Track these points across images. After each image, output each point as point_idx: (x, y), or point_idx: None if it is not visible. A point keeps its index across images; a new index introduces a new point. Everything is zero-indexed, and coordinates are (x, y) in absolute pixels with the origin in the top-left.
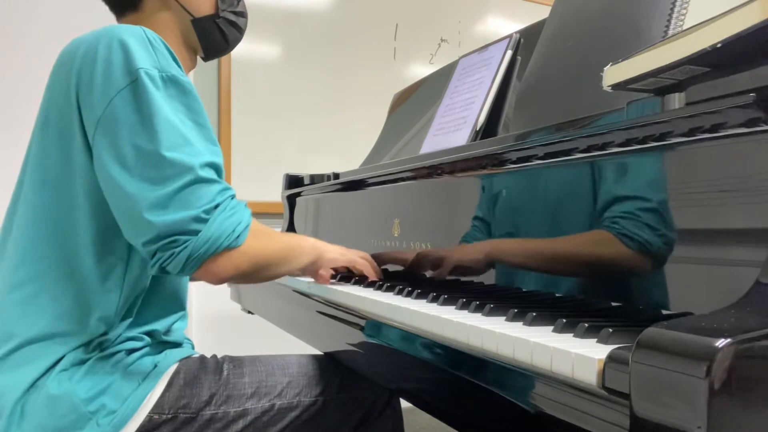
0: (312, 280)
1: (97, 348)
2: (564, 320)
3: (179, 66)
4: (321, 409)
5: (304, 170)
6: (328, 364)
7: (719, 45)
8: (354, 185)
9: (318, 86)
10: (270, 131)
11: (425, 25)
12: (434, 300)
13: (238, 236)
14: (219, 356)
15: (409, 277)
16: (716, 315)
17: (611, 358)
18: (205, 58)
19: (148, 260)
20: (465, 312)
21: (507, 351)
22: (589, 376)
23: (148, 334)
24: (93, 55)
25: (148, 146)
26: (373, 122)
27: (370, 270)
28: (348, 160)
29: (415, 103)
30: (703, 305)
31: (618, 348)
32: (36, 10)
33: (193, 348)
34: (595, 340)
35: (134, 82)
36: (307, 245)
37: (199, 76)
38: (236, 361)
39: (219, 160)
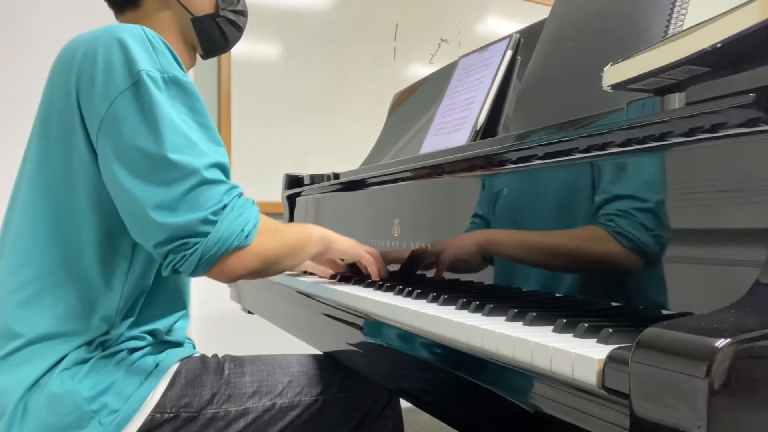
0: (312, 279)
1: (99, 347)
2: (564, 320)
3: (180, 66)
4: (321, 409)
5: (304, 170)
6: (328, 364)
7: (719, 45)
8: (354, 185)
9: (318, 86)
10: (270, 131)
11: (425, 25)
12: (434, 300)
13: (247, 236)
14: (220, 356)
15: (410, 277)
16: (716, 315)
17: (611, 358)
18: (204, 57)
19: (160, 262)
20: (465, 312)
21: (507, 351)
22: (589, 376)
23: (150, 333)
24: (93, 55)
25: (153, 149)
26: (373, 122)
27: (373, 267)
28: (348, 160)
29: (415, 103)
30: (703, 305)
31: (618, 348)
32: (36, 9)
33: (194, 347)
34: (595, 340)
35: (136, 84)
36: (316, 235)
37: (199, 76)
38: (237, 361)
39: (224, 159)
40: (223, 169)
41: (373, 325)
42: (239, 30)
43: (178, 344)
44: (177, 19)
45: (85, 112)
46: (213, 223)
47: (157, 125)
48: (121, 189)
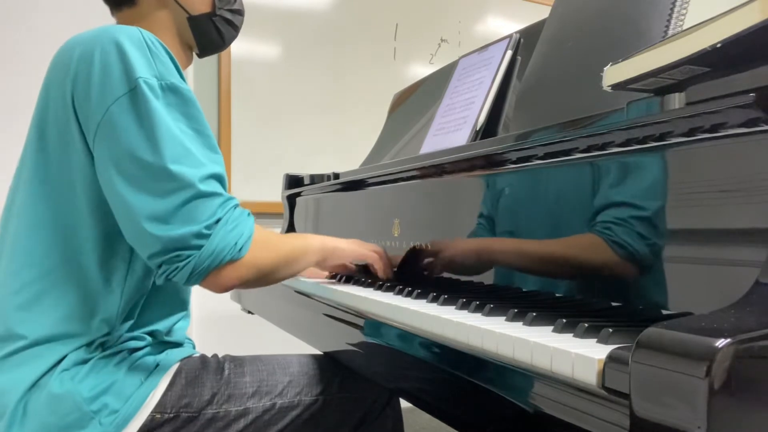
0: (313, 280)
1: (99, 348)
2: (564, 320)
3: (178, 69)
4: (321, 409)
5: (304, 170)
6: (328, 364)
7: (719, 45)
8: (354, 185)
9: (318, 86)
10: (270, 131)
11: (425, 25)
12: (434, 300)
13: (240, 249)
14: (220, 356)
15: (409, 277)
16: (716, 315)
17: (611, 358)
18: (200, 55)
19: (154, 270)
20: (465, 312)
21: (507, 351)
22: (589, 376)
23: (150, 334)
24: (90, 57)
25: (149, 158)
26: (373, 122)
27: (379, 264)
28: (348, 160)
29: (415, 103)
30: (703, 305)
31: (618, 348)
32: (36, 9)
33: (194, 348)
34: (595, 340)
35: (133, 91)
36: (314, 246)
37: (199, 76)
38: (237, 361)
39: (221, 169)
40: (220, 179)
41: (373, 325)
42: (236, 29)
43: (177, 344)
44: (173, 18)
45: (81, 115)
46: (206, 236)
47: (154, 134)
48: (117, 196)
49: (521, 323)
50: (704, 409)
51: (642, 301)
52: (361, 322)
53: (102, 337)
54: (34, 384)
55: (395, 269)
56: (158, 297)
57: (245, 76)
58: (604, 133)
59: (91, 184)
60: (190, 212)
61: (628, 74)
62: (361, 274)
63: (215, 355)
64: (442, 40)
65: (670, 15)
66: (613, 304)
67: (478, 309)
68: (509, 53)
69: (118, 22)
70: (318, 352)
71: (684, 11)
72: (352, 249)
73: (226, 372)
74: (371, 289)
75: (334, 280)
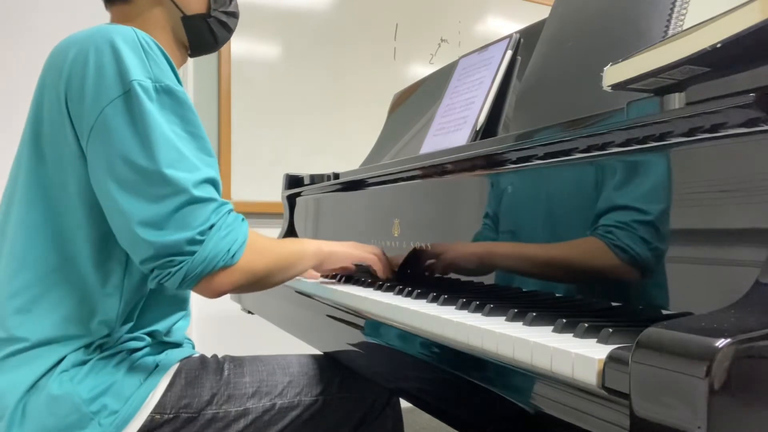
0: (313, 280)
1: (98, 349)
2: (564, 320)
3: (174, 70)
4: (321, 409)
5: (304, 170)
6: (328, 364)
7: (719, 45)
8: (354, 185)
9: (318, 86)
10: (270, 131)
11: (425, 25)
12: (434, 300)
13: (233, 255)
14: (219, 356)
15: (409, 277)
16: (716, 315)
17: (611, 358)
18: (192, 55)
19: (146, 274)
20: (465, 312)
21: (507, 351)
22: (589, 376)
23: (149, 334)
24: (84, 58)
25: (143, 163)
26: (373, 122)
27: (377, 265)
28: (348, 160)
29: (415, 103)
30: (703, 305)
31: (618, 348)
32: (36, 9)
33: (193, 348)
34: (595, 340)
35: (127, 93)
36: (310, 251)
37: (199, 76)
38: (237, 361)
39: (215, 173)
40: (214, 183)
41: (373, 325)
42: (229, 31)
43: (177, 345)
44: (168, 16)
45: (74, 116)
46: (200, 242)
47: (148, 138)
48: (110, 199)
49: (521, 323)
50: (704, 409)
51: (642, 301)
52: (361, 322)
53: (101, 339)
54: (33, 385)
55: (395, 269)
56: (158, 297)
57: (245, 76)
58: (604, 133)
59: (86, 186)
60: (184, 218)
61: (628, 74)
62: (361, 274)
63: (215, 356)
64: (442, 40)
65: (670, 15)
66: (613, 304)
67: (478, 309)
68: (509, 53)
69: (112, 18)
70: (318, 352)
71: (684, 11)
72: (349, 252)
73: (226, 372)
74: (371, 289)
75: (334, 281)
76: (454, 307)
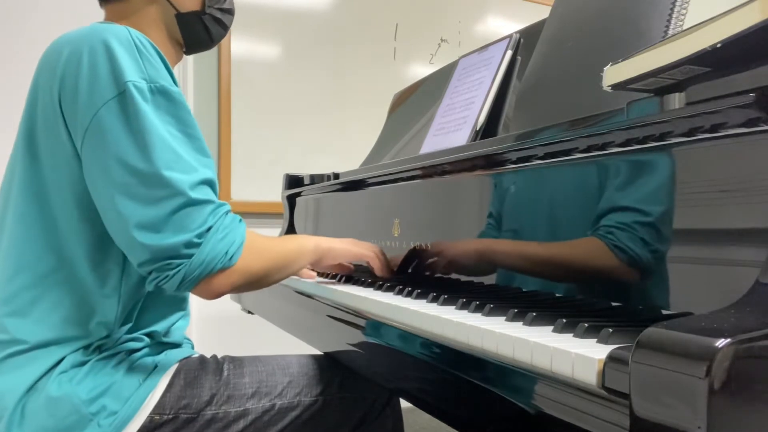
0: (313, 280)
1: (97, 350)
2: (564, 320)
3: (169, 70)
4: (321, 409)
5: (304, 170)
6: (328, 364)
7: (719, 45)
8: (354, 185)
9: (318, 86)
10: (270, 131)
11: (425, 25)
12: (434, 300)
13: (231, 257)
14: (219, 356)
15: (409, 276)
16: (716, 315)
17: (611, 358)
18: (187, 53)
19: (144, 276)
20: (465, 312)
21: (507, 351)
22: (589, 376)
23: (148, 335)
24: (78, 58)
25: (139, 165)
26: (373, 122)
27: (376, 262)
28: (348, 160)
29: (415, 103)
30: (703, 305)
31: (618, 348)
32: (36, 9)
33: (192, 348)
34: (595, 340)
35: (122, 94)
36: (308, 247)
37: (199, 76)
38: (236, 361)
39: (212, 174)
40: (211, 184)
41: (373, 325)
42: (225, 28)
43: (176, 345)
44: (162, 14)
45: (68, 117)
46: (197, 245)
47: (144, 140)
48: (106, 202)
49: (521, 323)
50: (704, 409)
51: (642, 301)
52: (361, 322)
53: (100, 340)
54: (32, 386)
55: (395, 269)
56: (157, 298)
57: (245, 76)
58: (604, 133)
59: (80, 186)
60: (181, 220)
61: (628, 74)
62: (360, 274)
63: (214, 356)
64: (442, 40)
65: (670, 15)
66: (613, 304)
67: (478, 309)
68: (509, 53)
69: (107, 17)
70: (318, 352)
71: (684, 11)
72: (347, 249)
73: (225, 373)
74: (371, 289)
75: (334, 281)
76: (454, 307)
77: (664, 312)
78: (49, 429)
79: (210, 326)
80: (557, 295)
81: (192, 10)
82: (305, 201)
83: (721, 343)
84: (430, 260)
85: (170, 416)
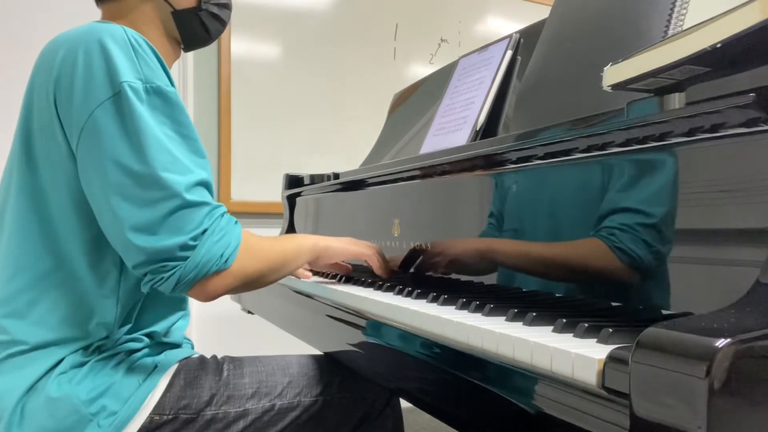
0: (313, 279)
1: (97, 350)
2: (564, 320)
3: (165, 69)
4: (321, 409)
5: (304, 170)
6: (328, 364)
7: (719, 45)
8: (354, 185)
9: (318, 86)
10: (270, 131)
11: (425, 25)
12: (434, 300)
13: (226, 260)
14: (219, 356)
15: (409, 276)
16: (716, 315)
17: (611, 358)
18: (186, 50)
19: (139, 278)
20: (465, 312)
21: (507, 351)
22: (589, 376)
23: (148, 335)
24: (73, 59)
25: (134, 166)
26: (373, 122)
27: (375, 261)
28: (348, 160)
29: (415, 103)
30: (703, 305)
31: (618, 348)
32: (36, 7)
33: (192, 348)
34: (595, 340)
35: (117, 95)
36: (306, 246)
37: (199, 76)
38: (236, 362)
39: (207, 175)
40: (207, 185)
41: (373, 325)
42: (222, 24)
43: (176, 345)
44: (158, 12)
45: (64, 118)
46: (192, 248)
47: (140, 141)
48: (101, 203)
49: (521, 323)
50: (704, 409)
51: (642, 301)
52: (361, 322)
53: (100, 341)
54: (32, 387)
55: (395, 269)
56: (156, 298)
57: (245, 76)
58: (604, 133)
59: (76, 187)
60: (177, 222)
61: (628, 74)
62: (360, 274)
63: (214, 356)
64: (442, 40)
65: (670, 15)
66: (613, 304)
67: (478, 309)
68: (509, 53)
69: (103, 16)
70: (318, 352)
71: (684, 11)
72: (345, 247)
73: (225, 373)
74: (371, 289)
75: (334, 280)
76: (454, 307)
77: (664, 312)
78: (48, 429)
79: (210, 326)
80: (557, 295)
81: (188, 6)
82: (305, 201)
83: (721, 343)
84: (430, 260)
85: (170, 416)
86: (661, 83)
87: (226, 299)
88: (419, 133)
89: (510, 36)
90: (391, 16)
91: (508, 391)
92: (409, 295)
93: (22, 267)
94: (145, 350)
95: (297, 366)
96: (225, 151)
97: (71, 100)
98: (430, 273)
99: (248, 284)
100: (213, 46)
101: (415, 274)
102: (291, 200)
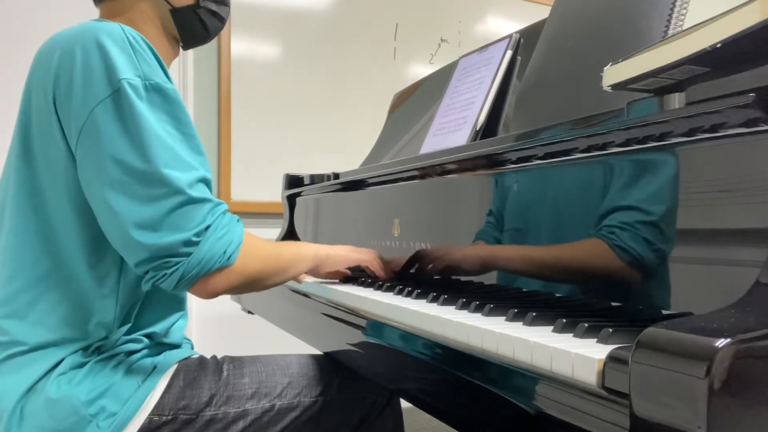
0: (313, 279)
1: (96, 351)
2: (564, 320)
3: (163, 67)
4: (321, 410)
5: (304, 170)
6: (328, 364)
7: (719, 45)
8: (354, 185)
9: (318, 86)
10: (270, 131)
11: (425, 25)
12: (434, 300)
13: (229, 257)
14: (219, 356)
15: (410, 277)
16: (716, 315)
17: (611, 358)
18: (185, 48)
19: (141, 276)
20: (465, 312)
21: (507, 351)
22: (589, 376)
23: (147, 336)
24: (71, 58)
25: (135, 164)
26: (373, 122)
27: (375, 267)
28: (348, 160)
29: (415, 103)
30: (703, 305)
31: (618, 348)
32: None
33: (192, 348)
34: (595, 340)
35: (116, 93)
36: (306, 254)
37: (199, 76)
38: (236, 362)
39: (207, 172)
40: (207, 182)
41: (373, 325)
42: (221, 21)
43: (175, 346)
44: (156, 10)
45: (63, 118)
46: (195, 244)
47: (141, 138)
48: (102, 202)
49: (521, 323)
50: (704, 409)
51: (642, 301)
52: (361, 322)
53: (99, 341)
54: (31, 388)
55: (395, 269)
56: (155, 298)
57: (245, 76)
58: (604, 133)
59: (75, 187)
60: (180, 219)
61: (628, 74)
62: (360, 274)
63: (214, 356)
64: (442, 40)
65: (670, 15)
66: (613, 304)
67: (478, 309)
68: (509, 53)
69: (101, 14)
70: (318, 352)
71: (684, 11)
72: (346, 255)
73: (225, 373)
74: (371, 289)
75: (334, 281)
76: (454, 307)
77: (664, 312)
78: (48, 430)
79: (210, 326)
80: (557, 295)
81: (186, 4)
82: (305, 201)
83: (721, 343)
84: (430, 260)
85: (169, 417)
86: (661, 83)
87: (226, 299)
88: (419, 133)
89: (510, 36)
90: (391, 16)
91: (508, 391)
92: (409, 295)
93: (21, 267)
94: (145, 351)
95: (297, 366)
96: (225, 150)
97: (70, 99)
98: (429, 273)
99: (249, 284)
100: (213, 45)
101: (415, 274)
102: (291, 200)
